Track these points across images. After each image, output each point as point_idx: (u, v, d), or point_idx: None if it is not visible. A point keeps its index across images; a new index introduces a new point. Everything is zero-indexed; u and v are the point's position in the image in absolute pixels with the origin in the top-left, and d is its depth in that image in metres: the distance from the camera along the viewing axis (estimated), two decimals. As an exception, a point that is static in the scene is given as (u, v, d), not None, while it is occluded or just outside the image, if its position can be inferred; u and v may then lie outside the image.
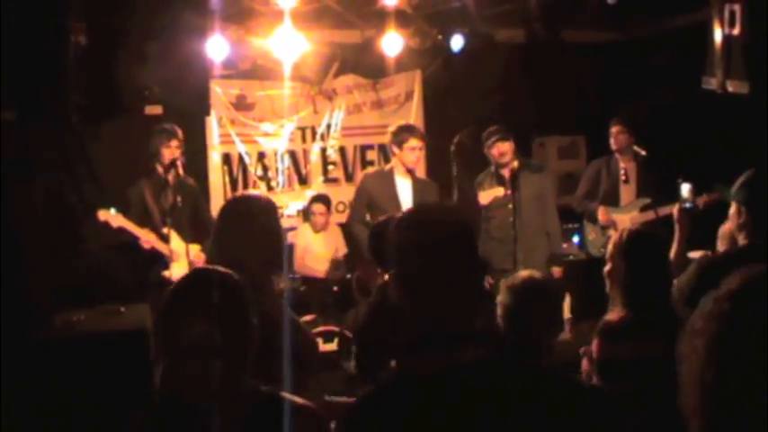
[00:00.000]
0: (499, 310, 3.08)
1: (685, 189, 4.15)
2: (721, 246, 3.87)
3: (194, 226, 5.87)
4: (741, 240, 3.45)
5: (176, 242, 5.68)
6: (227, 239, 3.22)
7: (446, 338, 1.71)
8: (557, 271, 6.06)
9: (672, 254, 3.81)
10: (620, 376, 2.88)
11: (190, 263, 5.58)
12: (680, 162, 6.38)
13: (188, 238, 5.67)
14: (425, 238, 1.77)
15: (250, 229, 3.19)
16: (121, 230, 5.58)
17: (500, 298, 3.10)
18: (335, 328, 6.22)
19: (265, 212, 3.27)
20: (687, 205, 4.07)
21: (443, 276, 1.75)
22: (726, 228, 3.90)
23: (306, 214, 7.38)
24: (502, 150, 5.99)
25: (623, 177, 6.55)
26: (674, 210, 4.03)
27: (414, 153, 5.75)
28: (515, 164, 6.06)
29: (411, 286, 1.76)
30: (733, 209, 3.48)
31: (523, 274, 3.19)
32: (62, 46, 5.44)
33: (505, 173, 6.05)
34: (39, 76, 5.35)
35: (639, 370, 2.89)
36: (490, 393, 1.65)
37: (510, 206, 5.99)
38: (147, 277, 5.78)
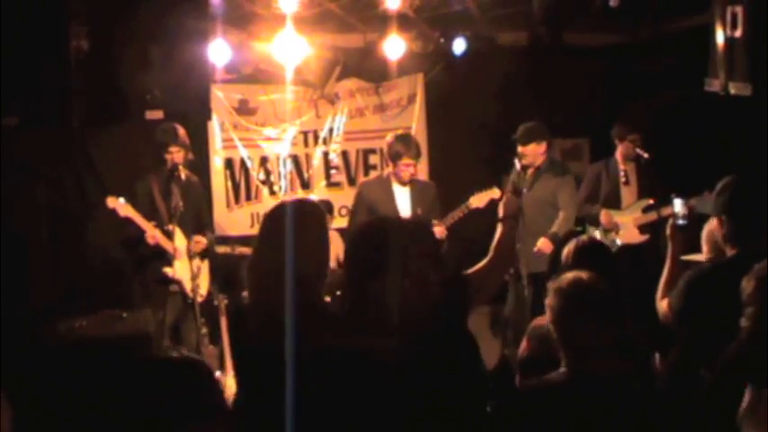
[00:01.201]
0: (548, 315, 2.90)
1: (678, 204, 3.80)
2: (705, 247, 3.65)
3: (196, 225, 5.89)
4: (729, 251, 3.29)
5: (180, 240, 5.70)
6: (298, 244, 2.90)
7: None
8: (544, 243, 5.79)
9: (665, 271, 3.65)
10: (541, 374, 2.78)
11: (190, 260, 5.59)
12: (683, 164, 6.36)
13: (191, 236, 5.68)
14: (367, 253, 2.11)
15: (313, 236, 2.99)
16: (128, 221, 5.60)
17: (547, 301, 2.90)
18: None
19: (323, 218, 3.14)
20: (680, 222, 3.76)
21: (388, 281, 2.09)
22: (708, 229, 3.64)
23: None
24: (523, 152, 6.02)
25: (623, 179, 6.53)
26: (667, 226, 3.82)
27: (408, 170, 5.77)
28: (536, 164, 6.06)
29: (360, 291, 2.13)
30: (715, 221, 3.34)
31: (569, 275, 2.93)
32: (64, 50, 5.45)
33: (530, 173, 6.07)
34: (41, 80, 5.36)
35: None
36: None
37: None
38: (149, 275, 5.80)
